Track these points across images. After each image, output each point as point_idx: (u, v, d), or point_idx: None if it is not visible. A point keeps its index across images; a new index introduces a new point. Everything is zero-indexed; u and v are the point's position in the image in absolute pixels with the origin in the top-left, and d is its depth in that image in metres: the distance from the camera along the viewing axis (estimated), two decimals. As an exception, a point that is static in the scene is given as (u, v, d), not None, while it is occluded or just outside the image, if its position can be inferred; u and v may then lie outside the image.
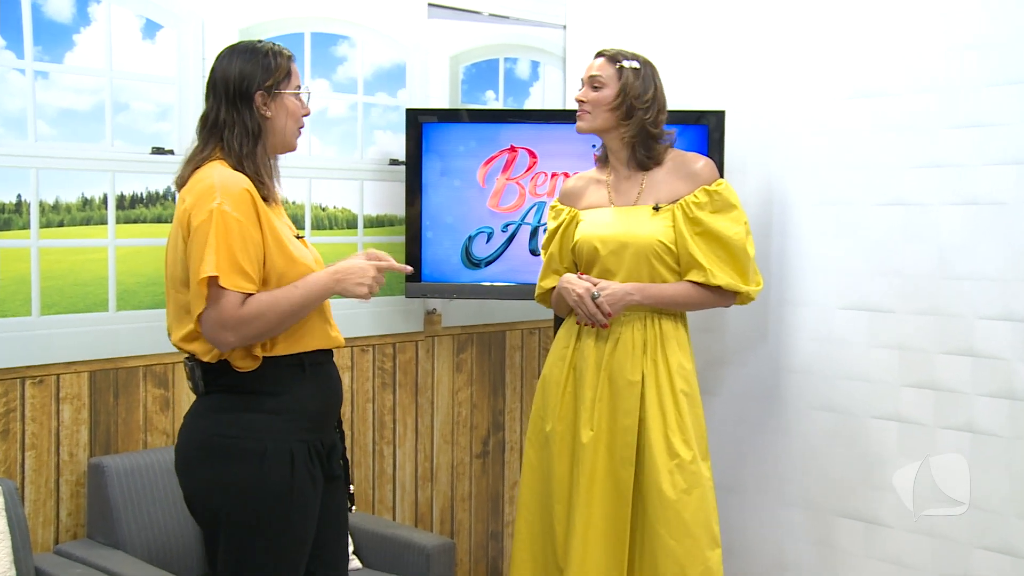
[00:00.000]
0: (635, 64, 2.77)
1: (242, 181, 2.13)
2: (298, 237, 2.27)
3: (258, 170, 2.19)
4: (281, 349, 2.18)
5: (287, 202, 3.30)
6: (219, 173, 2.13)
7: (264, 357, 2.16)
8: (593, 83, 2.79)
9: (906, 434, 3.08)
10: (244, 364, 2.15)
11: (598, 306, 2.71)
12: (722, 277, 2.73)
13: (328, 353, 2.29)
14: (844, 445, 3.23)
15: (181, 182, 2.19)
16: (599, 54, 2.83)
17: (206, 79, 2.25)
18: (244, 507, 2.13)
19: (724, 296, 2.80)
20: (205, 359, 2.16)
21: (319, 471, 2.22)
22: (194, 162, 2.19)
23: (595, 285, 2.74)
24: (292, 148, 2.30)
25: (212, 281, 2.05)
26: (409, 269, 2.38)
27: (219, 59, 2.24)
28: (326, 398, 2.26)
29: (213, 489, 2.15)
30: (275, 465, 2.13)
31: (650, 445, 2.69)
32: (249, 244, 2.09)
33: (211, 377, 2.18)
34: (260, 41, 2.26)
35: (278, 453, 2.14)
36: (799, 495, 3.36)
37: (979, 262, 2.92)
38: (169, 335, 2.24)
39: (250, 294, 2.09)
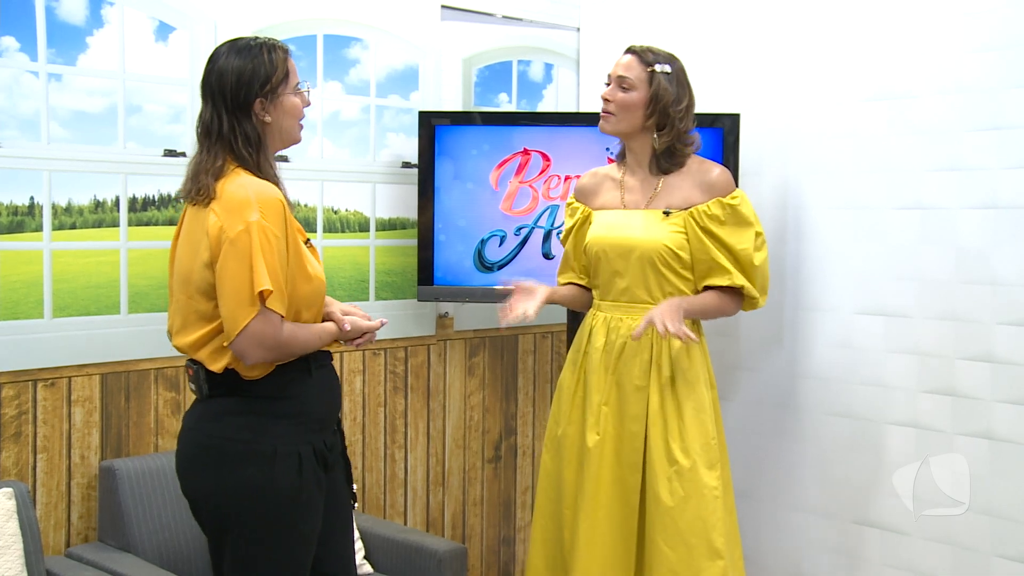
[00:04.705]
0: (667, 68, 2.69)
1: (274, 191, 2.11)
2: (306, 242, 2.25)
3: (267, 176, 2.17)
4: None
5: (298, 204, 3.29)
6: (252, 184, 2.09)
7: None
8: (622, 83, 2.70)
9: (924, 441, 3.05)
10: (253, 373, 2.14)
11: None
12: (739, 278, 2.70)
13: (329, 355, 2.29)
14: (861, 451, 3.20)
15: (204, 193, 2.09)
16: (629, 50, 2.74)
17: (201, 79, 2.18)
18: (253, 510, 2.12)
19: (735, 301, 2.77)
20: (211, 368, 2.14)
21: (322, 471, 2.21)
22: (211, 173, 2.11)
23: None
24: (296, 141, 2.26)
25: (262, 296, 2.03)
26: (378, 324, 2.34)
27: (214, 60, 2.16)
28: (329, 400, 2.27)
29: (221, 493, 2.13)
30: (284, 468, 2.12)
31: (651, 451, 2.67)
32: (283, 262, 2.08)
33: (216, 381, 2.16)
34: (255, 38, 2.19)
35: (286, 456, 2.13)
36: (815, 502, 3.33)
37: (998, 267, 2.89)
38: (169, 337, 2.22)
39: (282, 316, 2.09)
